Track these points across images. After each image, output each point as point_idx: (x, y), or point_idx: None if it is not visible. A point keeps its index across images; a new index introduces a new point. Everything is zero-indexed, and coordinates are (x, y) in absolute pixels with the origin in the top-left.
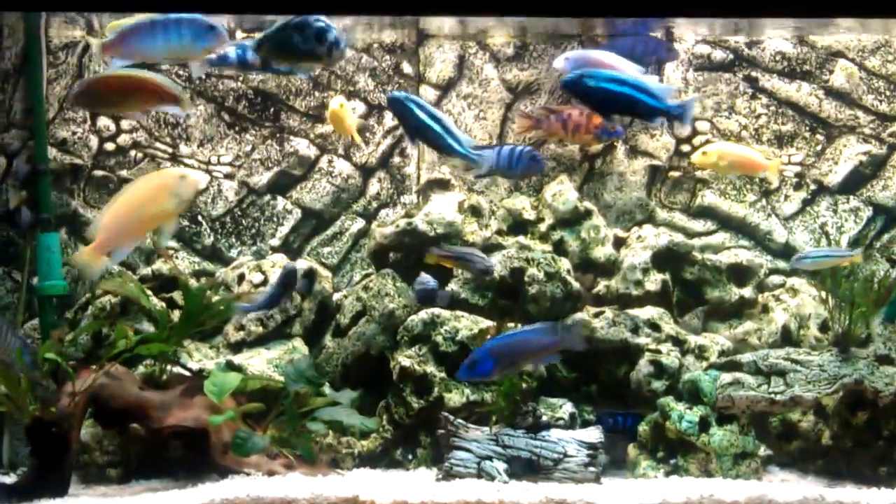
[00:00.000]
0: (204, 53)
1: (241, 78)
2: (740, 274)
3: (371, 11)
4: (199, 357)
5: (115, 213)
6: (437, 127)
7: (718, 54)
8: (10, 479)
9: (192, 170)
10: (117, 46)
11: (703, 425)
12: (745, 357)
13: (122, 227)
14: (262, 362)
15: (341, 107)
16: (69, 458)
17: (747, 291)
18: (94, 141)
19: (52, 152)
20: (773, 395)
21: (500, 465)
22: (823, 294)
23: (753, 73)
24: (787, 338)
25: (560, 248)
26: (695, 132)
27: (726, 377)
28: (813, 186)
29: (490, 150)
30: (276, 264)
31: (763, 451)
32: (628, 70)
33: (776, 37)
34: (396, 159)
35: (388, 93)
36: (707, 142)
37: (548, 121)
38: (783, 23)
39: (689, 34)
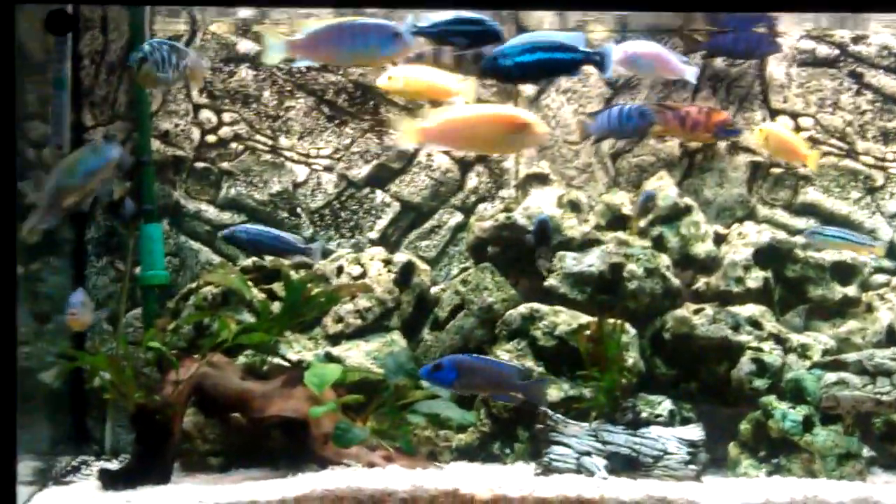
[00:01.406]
0: (387, 60)
1: (340, 71)
2: (844, 272)
3: (468, 5)
4: (298, 348)
5: (454, 117)
6: None
7: (823, 49)
8: (112, 465)
9: (541, 124)
10: (306, 47)
11: (807, 425)
12: (851, 356)
13: (450, 131)
14: (360, 354)
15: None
16: (172, 446)
17: (851, 290)
18: (195, 133)
19: (155, 144)
20: (879, 396)
21: (600, 461)
22: None
23: (859, 69)
24: (892, 337)
25: (659, 244)
26: (798, 128)
27: (831, 376)
28: None
29: (601, 114)
30: (374, 257)
31: (867, 452)
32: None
33: (883, 31)
34: (495, 153)
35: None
36: (812, 139)
37: (665, 117)
38: (890, 17)
39: (794, 29)
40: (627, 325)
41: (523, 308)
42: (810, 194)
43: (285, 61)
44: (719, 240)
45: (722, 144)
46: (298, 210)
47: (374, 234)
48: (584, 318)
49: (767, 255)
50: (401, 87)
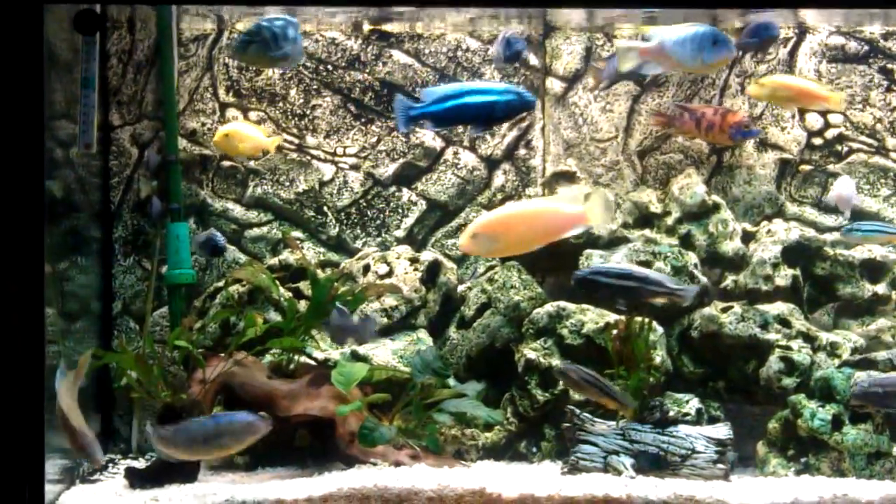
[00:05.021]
0: (710, 68)
1: (367, 69)
2: (874, 270)
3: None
4: (324, 347)
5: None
6: None
7: (853, 45)
8: (139, 463)
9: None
10: (655, 52)
11: (836, 423)
12: (881, 355)
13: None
14: (386, 353)
15: None
16: None
17: (881, 288)
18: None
19: (182, 143)
20: None
21: (627, 460)
22: None
23: (889, 65)
24: None
25: (687, 242)
26: (827, 125)
27: (860, 375)
28: None
29: (611, 59)
30: (400, 256)
31: None
32: None
33: None
34: (522, 151)
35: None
36: (841, 136)
37: (681, 118)
38: None
39: (823, 25)
40: (655, 324)
41: (550, 307)
42: None
43: None
44: (747, 238)
45: (750, 142)
46: (325, 209)
47: (400, 233)
48: (612, 317)
49: (796, 253)
50: (235, 145)
